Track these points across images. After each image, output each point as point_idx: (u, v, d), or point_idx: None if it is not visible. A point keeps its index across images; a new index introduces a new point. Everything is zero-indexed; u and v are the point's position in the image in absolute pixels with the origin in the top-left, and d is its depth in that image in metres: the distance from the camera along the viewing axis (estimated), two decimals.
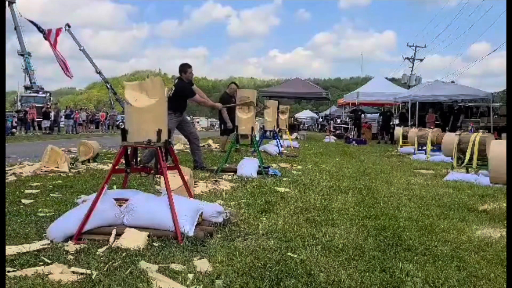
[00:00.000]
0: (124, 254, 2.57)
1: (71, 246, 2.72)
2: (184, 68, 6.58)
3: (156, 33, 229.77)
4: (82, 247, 2.70)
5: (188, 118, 8.35)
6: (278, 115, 11.70)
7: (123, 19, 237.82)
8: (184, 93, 6.44)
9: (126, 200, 3.04)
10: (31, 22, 32.78)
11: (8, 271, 2.27)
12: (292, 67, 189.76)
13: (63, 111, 29.67)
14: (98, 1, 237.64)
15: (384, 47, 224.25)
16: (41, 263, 2.42)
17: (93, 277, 2.22)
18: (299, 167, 7.75)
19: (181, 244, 2.78)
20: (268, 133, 10.80)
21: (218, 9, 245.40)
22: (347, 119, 25.17)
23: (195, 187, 4.78)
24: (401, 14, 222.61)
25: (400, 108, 20.37)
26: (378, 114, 23.46)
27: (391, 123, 19.26)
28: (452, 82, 21.53)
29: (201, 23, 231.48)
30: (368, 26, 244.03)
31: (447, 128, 15.28)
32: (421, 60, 33.98)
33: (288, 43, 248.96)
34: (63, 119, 27.69)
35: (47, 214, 3.55)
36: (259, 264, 2.47)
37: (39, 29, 32.45)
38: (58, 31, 32.75)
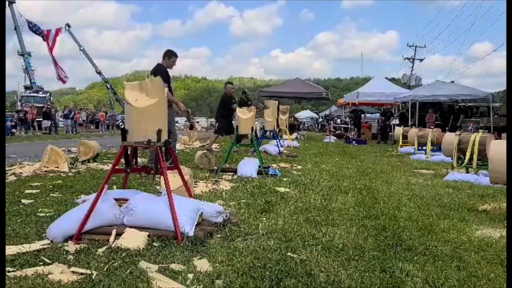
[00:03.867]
0: (124, 254, 2.57)
1: (71, 246, 2.72)
2: (169, 54, 6.24)
3: (159, 33, 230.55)
4: (82, 247, 2.70)
5: (176, 119, 7.93)
6: (278, 115, 11.70)
7: (127, 19, 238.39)
8: (157, 73, 5.64)
9: (126, 200, 3.05)
10: (29, 27, 32.64)
11: (8, 271, 2.27)
12: (293, 67, 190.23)
13: (62, 111, 29.62)
14: (102, 1, 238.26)
15: (386, 47, 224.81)
16: (41, 263, 2.42)
17: (93, 277, 2.22)
18: (299, 167, 7.75)
19: (181, 244, 2.78)
20: (268, 133, 10.79)
21: (221, 9, 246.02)
22: (347, 119, 25.17)
23: (195, 187, 4.78)
24: (404, 14, 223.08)
25: (400, 108, 20.37)
26: (379, 114, 23.46)
27: (388, 122, 19.27)
28: (452, 82, 21.53)
29: (204, 23, 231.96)
30: (370, 26, 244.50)
31: (447, 128, 15.29)
32: (421, 60, 34.02)
33: (290, 43, 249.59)
34: (61, 118, 27.66)
35: (47, 214, 3.55)
36: (259, 264, 2.47)
37: (36, 31, 32.36)
38: (58, 31, 32.71)
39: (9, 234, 2.94)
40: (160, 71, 6.01)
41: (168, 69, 6.31)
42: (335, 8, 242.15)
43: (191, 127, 18.40)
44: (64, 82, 33.66)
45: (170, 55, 6.29)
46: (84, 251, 2.65)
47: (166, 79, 6.00)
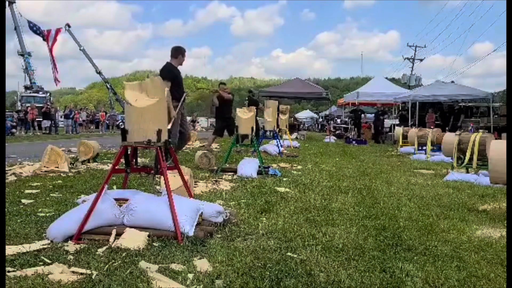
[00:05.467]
0: (124, 254, 2.57)
1: (71, 246, 2.72)
2: (182, 51, 6.02)
3: (160, 33, 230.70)
4: (82, 247, 2.70)
5: (189, 118, 8.04)
6: (278, 115, 11.69)
7: (128, 19, 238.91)
8: (162, 73, 5.63)
9: (126, 200, 3.04)
10: (29, 26, 32.62)
11: (8, 271, 2.27)
12: (294, 67, 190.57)
13: (62, 111, 29.62)
14: (103, 1, 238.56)
15: (387, 47, 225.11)
16: (41, 263, 2.42)
17: (93, 277, 2.22)
18: (299, 167, 7.75)
19: (181, 244, 2.78)
20: (268, 133, 10.79)
21: (222, 9, 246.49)
22: (347, 119, 25.18)
23: (195, 187, 4.78)
24: (404, 14, 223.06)
25: (400, 109, 20.37)
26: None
27: (381, 119, 19.29)
28: (452, 82, 21.52)
29: (205, 23, 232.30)
30: (371, 26, 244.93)
31: (447, 128, 15.29)
32: (421, 60, 34.06)
33: (291, 43, 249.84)
34: (61, 118, 27.65)
35: (47, 214, 3.55)
36: (259, 264, 2.47)
37: (37, 31, 32.34)
38: (58, 31, 32.71)
39: (9, 234, 2.94)
40: (166, 68, 5.91)
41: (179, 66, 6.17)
42: (336, 8, 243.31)
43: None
44: (56, 84, 33.78)
45: (183, 53, 6.11)
46: (84, 251, 2.65)
47: (169, 73, 5.79)
